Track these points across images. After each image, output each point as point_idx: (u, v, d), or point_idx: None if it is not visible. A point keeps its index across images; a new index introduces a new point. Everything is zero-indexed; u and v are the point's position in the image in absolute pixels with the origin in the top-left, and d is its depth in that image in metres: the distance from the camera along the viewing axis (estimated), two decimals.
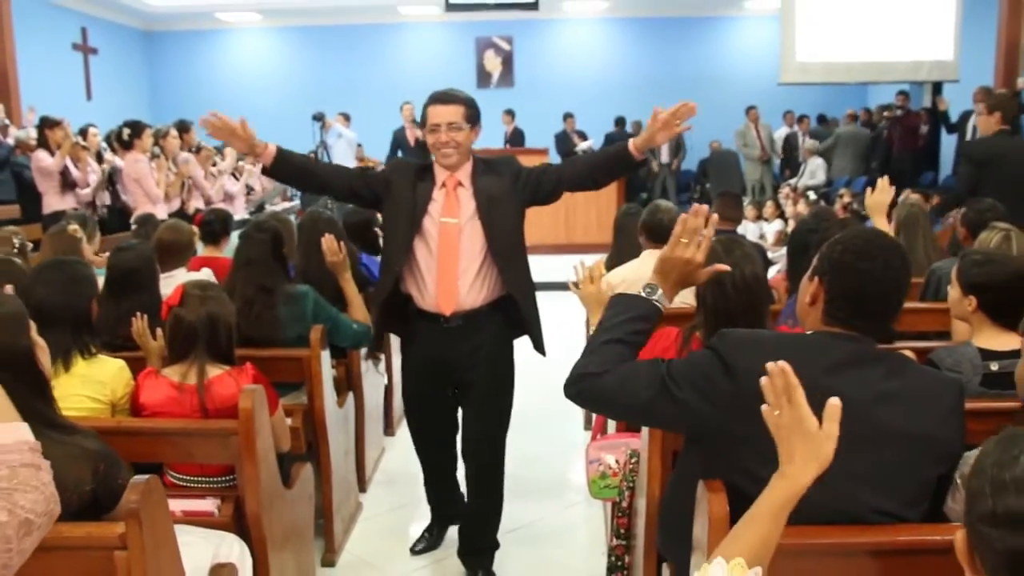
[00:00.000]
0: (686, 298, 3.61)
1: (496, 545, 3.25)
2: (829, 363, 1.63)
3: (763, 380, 1.35)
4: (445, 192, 2.96)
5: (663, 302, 1.84)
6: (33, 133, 8.45)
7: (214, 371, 2.44)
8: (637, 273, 3.74)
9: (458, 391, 3.13)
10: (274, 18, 14.51)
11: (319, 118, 10.73)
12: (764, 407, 1.36)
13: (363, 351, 3.87)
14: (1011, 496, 0.93)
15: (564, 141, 12.46)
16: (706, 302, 2.32)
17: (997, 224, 3.28)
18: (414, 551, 3.39)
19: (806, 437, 1.31)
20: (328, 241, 3.42)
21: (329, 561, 3.29)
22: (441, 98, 2.94)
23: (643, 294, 1.84)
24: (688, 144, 12.85)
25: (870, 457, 1.54)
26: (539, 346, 3.12)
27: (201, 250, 4.54)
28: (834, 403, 1.33)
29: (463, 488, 3.37)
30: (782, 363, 1.34)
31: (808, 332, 1.77)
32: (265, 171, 3.05)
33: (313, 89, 14.27)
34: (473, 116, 2.96)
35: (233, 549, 2.30)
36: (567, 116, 12.71)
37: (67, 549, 1.67)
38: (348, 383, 3.72)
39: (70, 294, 2.46)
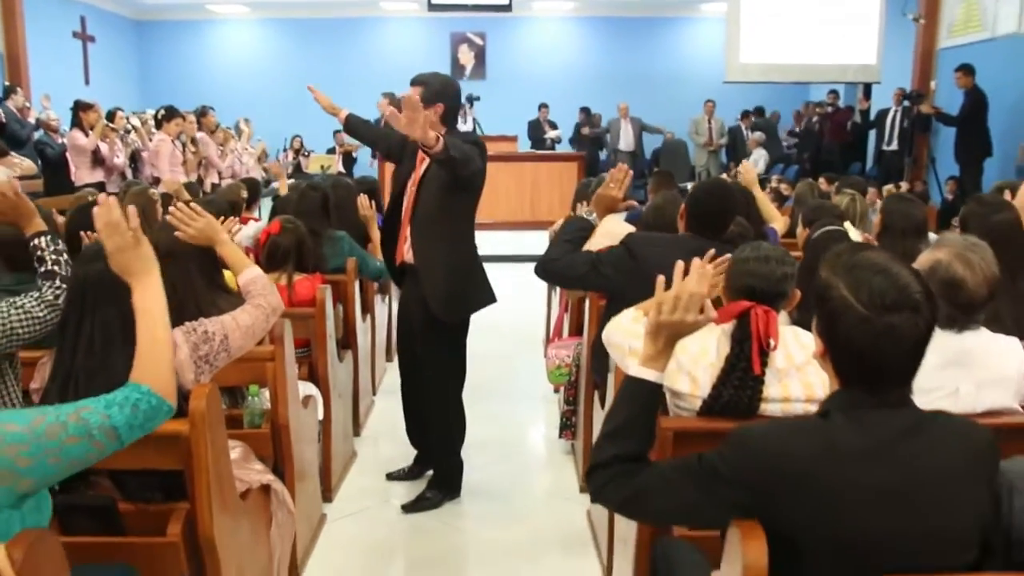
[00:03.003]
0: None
1: (446, 471, 3.75)
2: (690, 250, 2.82)
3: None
4: (417, 163, 3.46)
5: (595, 220, 3.06)
6: (54, 115, 9.48)
7: (297, 277, 3.59)
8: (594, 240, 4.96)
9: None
10: (261, 10, 15.48)
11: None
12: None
13: (376, 286, 5.02)
14: (741, 264, 2.12)
15: (536, 128, 13.68)
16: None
17: (845, 190, 4.53)
18: (389, 476, 3.93)
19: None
20: (362, 199, 4.58)
21: (356, 432, 4.44)
22: (412, 80, 3.40)
23: (583, 215, 3.05)
24: (645, 135, 14.14)
25: None
26: (441, 314, 3.44)
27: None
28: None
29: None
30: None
31: (680, 234, 2.99)
32: (345, 128, 3.94)
33: (297, 78, 15.13)
34: (432, 95, 3.31)
35: (313, 391, 3.46)
36: (541, 106, 13.87)
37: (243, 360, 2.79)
38: (364, 307, 4.84)
39: None
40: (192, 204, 2.74)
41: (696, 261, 1.75)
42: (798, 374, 2.11)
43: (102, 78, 14.07)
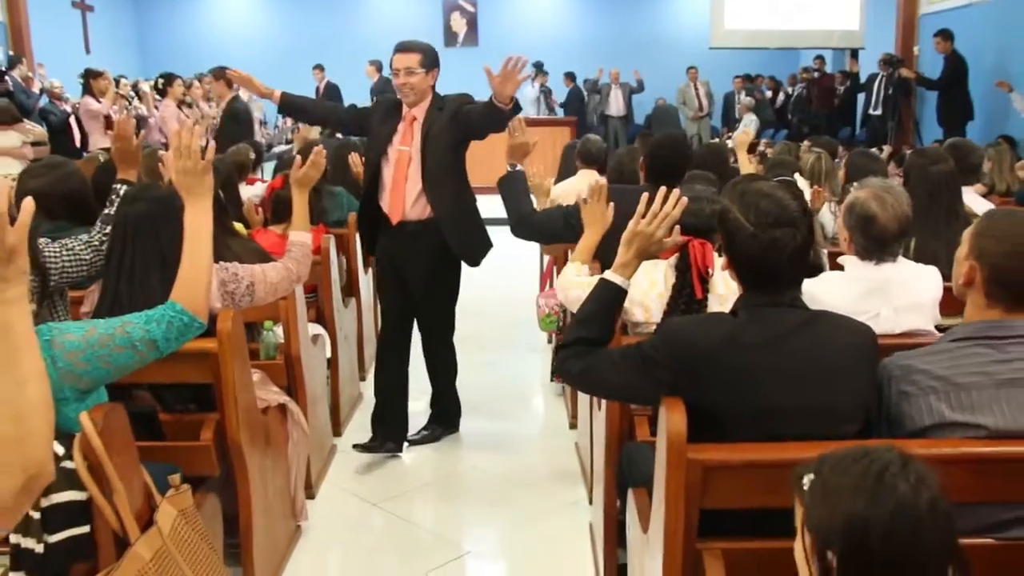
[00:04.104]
0: None
1: (444, 409, 4.07)
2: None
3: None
4: (405, 125, 3.66)
5: (521, 168, 3.42)
6: (57, 82, 9.79)
7: None
8: (572, 186, 5.27)
9: (409, 291, 3.79)
10: None
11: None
12: (584, 205, 2.85)
13: None
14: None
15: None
16: None
17: (813, 149, 4.87)
18: (356, 447, 3.82)
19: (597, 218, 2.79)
20: (353, 156, 4.91)
21: (361, 377, 4.80)
22: (402, 47, 3.62)
23: (508, 168, 3.42)
24: (637, 100, 14.42)
25: None
26: (467, 260, 3.79)
27: None
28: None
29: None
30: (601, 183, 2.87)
31: (640, 185, 3.33)
32: (280, 107, 3.92)
33: (290, 47, 15.51)
34: (429, 62, 3.58)
35: (320, 331, 3.82)
36: (567, 76, 14.22)
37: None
38: (365, 259, 5.15)
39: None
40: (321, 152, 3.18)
41: (645, 196, 2.15)
42: (735, 298, 2.46)
43: (102, 47, 14.28)
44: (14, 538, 1.65)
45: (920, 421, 1.84)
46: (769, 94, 13.79)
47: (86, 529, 1.71)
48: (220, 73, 7.54)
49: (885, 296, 2.52)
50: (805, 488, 1.27)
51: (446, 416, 4.11)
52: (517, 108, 3.48)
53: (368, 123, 3.81)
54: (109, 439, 1.71)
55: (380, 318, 4.11)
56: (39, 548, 1.66)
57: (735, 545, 1.80)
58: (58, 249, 2.68)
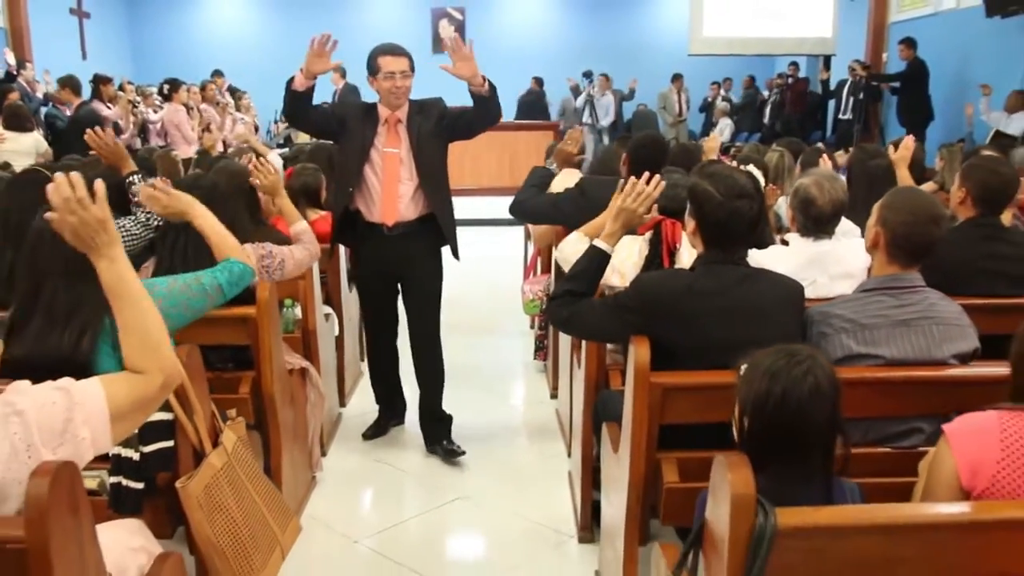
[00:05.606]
0: None
1: (448, 418, 4.00)
2: None
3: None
4: (387, 127, 3.68)
5: (556, 170, 3.83)
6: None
7: (313, 215, 4.35)
8: (555, 184, 5.72)
9: (401, 287, 3.90)
10: None
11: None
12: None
13: None
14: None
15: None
16: None
17: (775, 147, 5.33)
18: (365, 436, 4.13)
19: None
20: None
21: (362, 357, 5.22)
22: (393, 50, 3.67)
23: (546, 165, 3.83)
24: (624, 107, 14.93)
25: None
26: (455, 253, 3.88)
27: None
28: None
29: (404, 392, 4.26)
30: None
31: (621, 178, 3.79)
32: (298, 92, 3.64)
33: (281, 53, 15.76)
34: (413, 66, 3.70)
35: (329, 311, 4.25)
36: (534, 80, 14.73)
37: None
38: None
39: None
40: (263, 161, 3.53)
41: (632, 179, 2.63)
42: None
43: (99, 53, 14.64)
44: (116, 449, 2.08)
45: (834, 354, 2.30)
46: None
47: (171, 443, 2.15)
48: (66, 81, 8.07)
49: (822, 266, 2.98)
50: (740, 373, 1.74)
51: (446, 425, 4.01)
52: (492, 86, 3.57)
53: (344, 126, 3.74)
54: (190, 371, 2.14)
55: (367, 345, 4.20)
56: (136, 456, 2.10)
57: (687, 455, 2.27)
58: None
